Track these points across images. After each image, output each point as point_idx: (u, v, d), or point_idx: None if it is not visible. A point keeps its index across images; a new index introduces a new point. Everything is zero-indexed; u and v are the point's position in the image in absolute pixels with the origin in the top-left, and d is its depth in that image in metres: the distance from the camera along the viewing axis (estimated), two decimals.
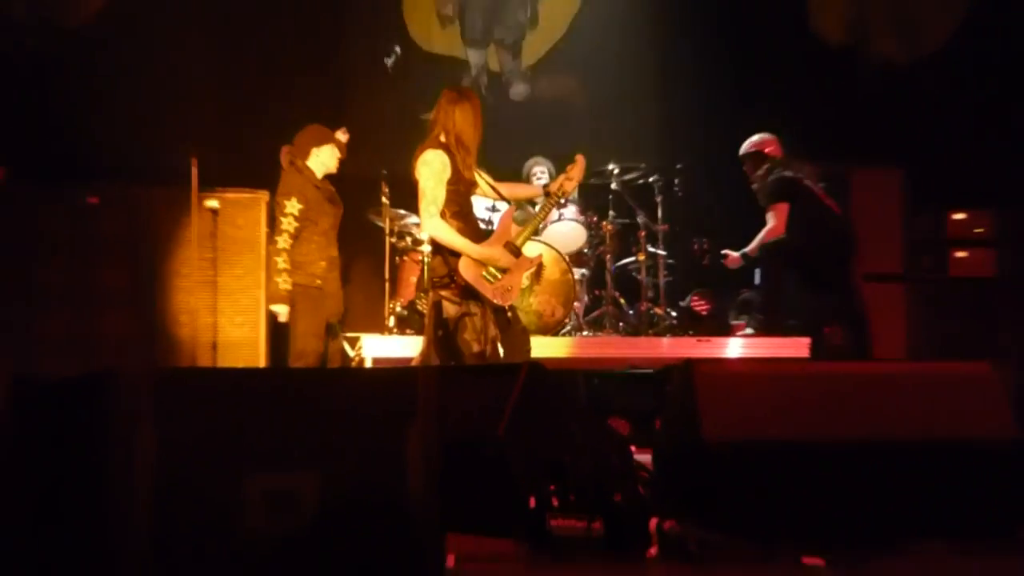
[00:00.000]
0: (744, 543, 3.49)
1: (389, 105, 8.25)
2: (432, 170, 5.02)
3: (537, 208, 5.93)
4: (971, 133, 8.64)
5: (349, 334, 6.86)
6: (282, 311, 5.93)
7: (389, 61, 7.99)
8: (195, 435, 2.62)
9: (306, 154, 6.10)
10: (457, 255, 5.04)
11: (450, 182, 5.05)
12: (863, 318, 7.04)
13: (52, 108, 7.81)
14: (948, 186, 8.46)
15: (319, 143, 6.14)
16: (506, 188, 5.67)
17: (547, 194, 5.57)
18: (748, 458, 3.56)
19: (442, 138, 5.09)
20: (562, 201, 6.82)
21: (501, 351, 5.12)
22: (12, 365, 6.87)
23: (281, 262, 5.87)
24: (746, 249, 7.14)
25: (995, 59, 8.94)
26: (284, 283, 5.88)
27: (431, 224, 5.03)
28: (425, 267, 5.35)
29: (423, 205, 5.05)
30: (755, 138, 7.28)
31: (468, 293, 5.05)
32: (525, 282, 6.22)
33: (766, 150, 7.20)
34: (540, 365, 4.13)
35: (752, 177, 7.19)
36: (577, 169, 5.44)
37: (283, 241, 5.88)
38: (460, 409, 3.36)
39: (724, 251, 7.33)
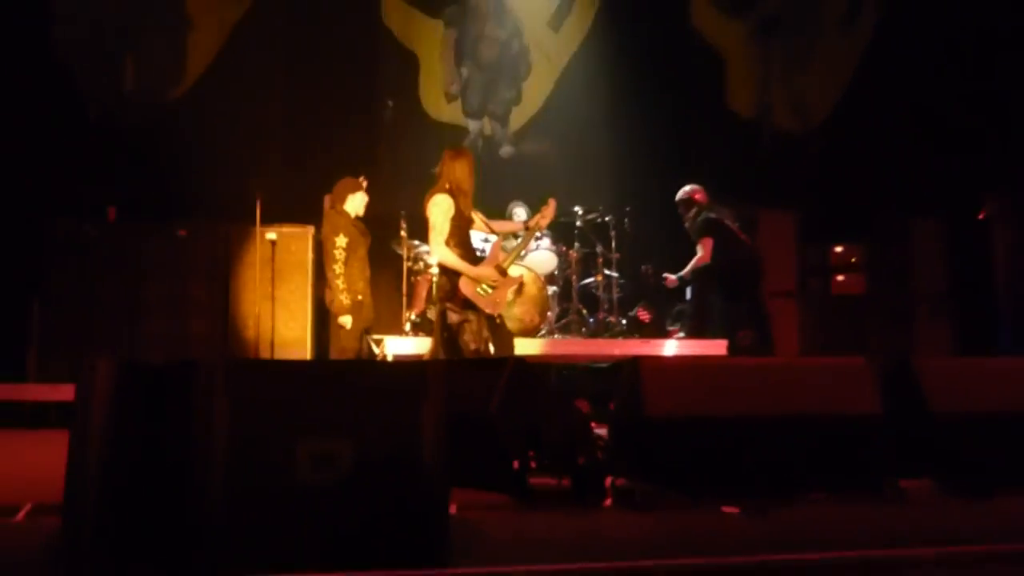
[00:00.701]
0: (677, 495, 3.47)
1: (406, 159, 8.23)
2: (440, 209, 5.02)
3: (519, 239, 5.92)
4: (848, 184, 8.67)
5: (375, 336, 6.82)
6: (347, 321, 5.88)
7: (387, 112, 7.95)
8: (258, 409, 2.59)
9: (344, 200, 6.06)
10: (458, 275, 5.03)
11: (453, 219, 5.04)
12: (768, 325, 7.05)
13: (151, 160, 7.77)
14: (830, 226, 8.50)
15: (352, 191, 6.09)
16: (496, 224, 5.67)
17: (527, 228, 5.56)
18: (681, 430, 3.54)
19: (447, 185, 5.08)
20: (538, 234, 6.85)
21: (492, 349, 5.10)
22: (121, 357, 6.85)
23: (340, 284, 5.80)
24: (681, 273, 7.14)
25: (866, 127, 8.98)
26: (346, 299, 5.83)
27: (439, 251, 5.02)
28: (433, 285, 5.31)
29: (433, 236, 5.04)
30: (687, 188, 7.28)
31: (467, 305, 5.04)
32: (510, 296, 6.20)
33: (695, 197, 7.20)
34: (522, 359, 4.13)
35: (684, 217, 7.19)
36: (549, 209, 5.44)
37: (339, 268, 5.81)
38: (461, 391, 3.35)
39: (665, 274, 7.32)
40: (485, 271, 5.10)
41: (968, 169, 8.28)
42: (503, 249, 5.53)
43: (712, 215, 7.02)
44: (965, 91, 8.53)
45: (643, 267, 7.86)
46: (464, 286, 5.00)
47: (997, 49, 8.40)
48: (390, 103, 7.96)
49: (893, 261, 8.43)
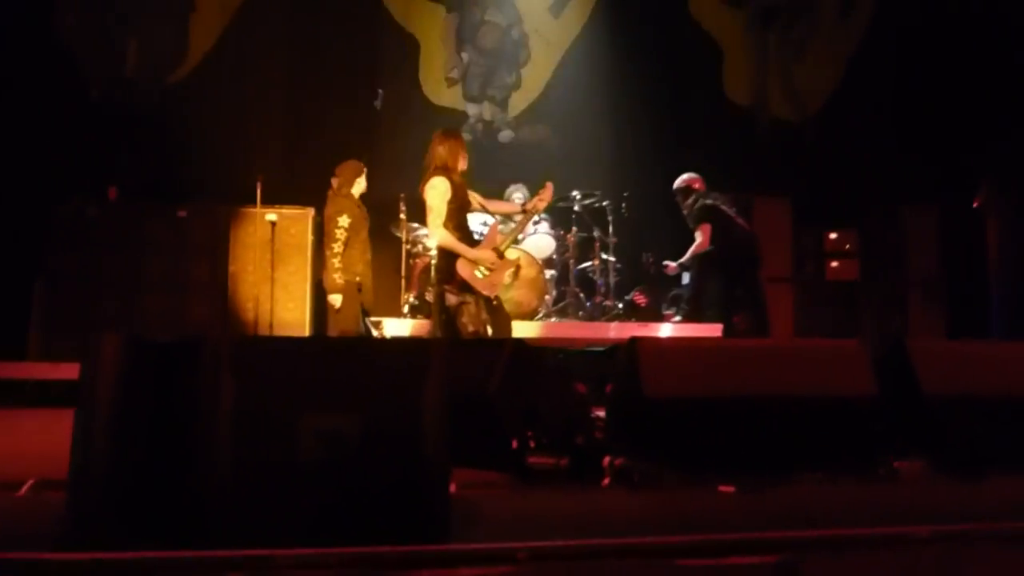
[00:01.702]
0: (674, 474, 3.48)
1: (407, 143, 8.20)
2: (437, 192, 5.03)
3: (516, 222, 5.91)
4: (842, 172, 8.67)
5: (374, 319, 6.82)
6: (336, 300, 5.90)
7: (377, 102, 7.93)
8: (263, 386, 2.59)
9: (351, 183, 6.06)
10: (456, 257, 5.02)
11: (450, 201, 5.04)
12: (764, 309, 7.05)
13: (152, 141, 7.75)
14: (825, 212, 8.51)
15: (358, 174, 6.12)
16: (492, 205, 5.66)
17: (524, 211, 5.56)
18: (678, 410, 3.55)
19: (440, 168, 5.08)
20: (536, 218, 6.84)
21: (490, 331, 5.10)
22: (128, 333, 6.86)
23: (336, 263, 5.84)
24: (681, 260, 7.13)
25: (860, 116, 8.98)
26: (339, 278, 5.85)
27: (438, 233, 5.02)
28: (432, 267, 5.32)
29: (431, 218, 5.04)
30: (685, 176, 7.26)
31: (465, 287, 5.03)
32: (507, 279, 6.21)
33: (693, 185, 7.18)
34: (522, 340, 4.14)
35: (683, 205, 7.17)
36: (547, 192, 5.44)
37: (338, 247, 5.85)
38: (461, 372, 3.34)
39: (665, 262, 7.29)
40: (483, 253, 5.10)
41: (961, 157, 8.29)
42: (500, 232, 5.52)
43: (709, 201, 7.01)
44: (958, 81, 8.53)
45: (644, 256, 7.84)
46: (461, 268, 5.00)
47: (991, 40, 8.39)
48: (380, 92, 7.94)
49: (886, 247, 8.45)
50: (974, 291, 8.29)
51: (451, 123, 8.51)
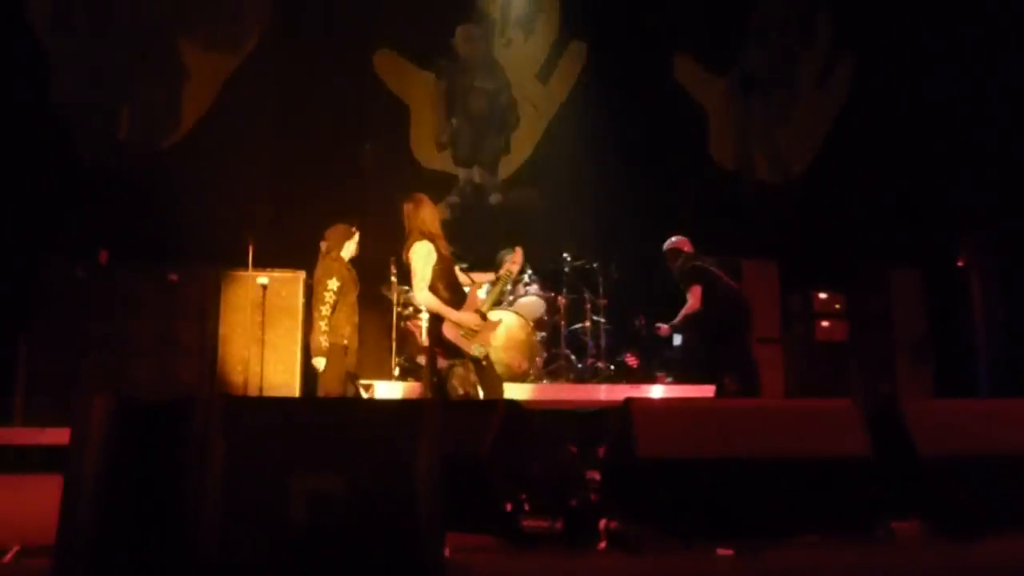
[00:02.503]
0: (671, 537, 3.42)
1: (397, 205, 8.23)
2: (420, 256, 5.07)
3: (495, 286, 5.92)
4: (828, 234, 8.75)
5: (365, 381, 6.76)
6: (320, 363, 5.84)
7: (364, 157, 7.98)
8: (254, 448, 2.54)
9: (340, 246, 6.08)
10: (442, 320, 5.04)
11: (436, 264, 5.08)
12: (755, 370, 6.99)
13: (144, 205, 7.74)
14: (812, 274, 8.56)
15: (347, 238, 6.12)
16: (472, 277, 5.70)
17: (498, 278, 5.60)
18: (673, 471, 3.51)
19: (421, 233, 5.11)
20: (526, 280, 6.85)
21: (481, 393, 5.07)
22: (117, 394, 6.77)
23: (323, 326, 5.79)
24: (673, 322, 7.07)
25: (844, 179, 9.11)
26: (324, 342, 5.80)
27: (422, 296, 5.08)
28: (423, 331, 5.33)
29: (416, 282, 5.09)
30: (673, 239, 7.20)
31: (453, 350, 5.03)
32: (495, 340, 6.19)
33: (683, 248, 7.16)
34: (515, 401, 4.10)
35: (672, 267, 7.13)
36: (518, 256, 5.52)
37: (325, 311, 5.81)
38: (453, 433, 3.29)
39: (657, 324, 7.26)
40: (466, 316, 5.11)
41: (944, 218, 8.40)
42: (479, 296, 5.56)
43: (699, 263, 7.01)
44: (938, 144, 8.69)
45: (635, 318, 7.83)
46: (447, 330, 5.01)
47: (967, 103, 8.58)
48: (367, 147, 8.01)
49: (874, 308, 8.49)
50: (961, 351, 8.32)
51: (442, 187, 8.60)
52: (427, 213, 5.18)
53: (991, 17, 8.40)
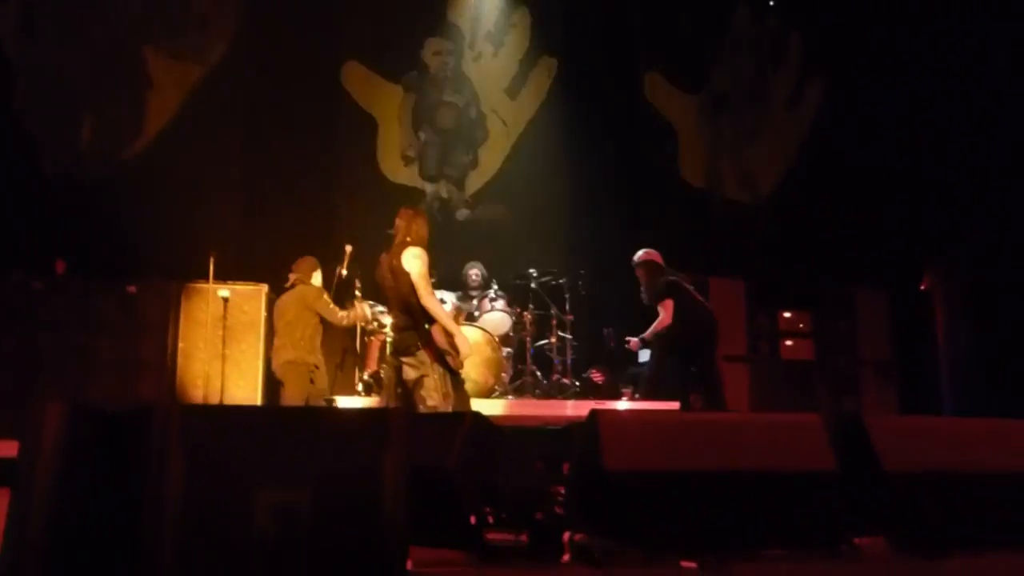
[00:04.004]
0: (636, 550, 3.42)
1: (364, 220, 8.21)
2: (422, 261, 5.10)
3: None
4: (795, 254, 8.86)
5: (328, 396, 6.71)
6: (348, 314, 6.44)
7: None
8: (214, 458, 2.51)
9: (308, 278, 6.44)
10: (430, 329, 5.02)
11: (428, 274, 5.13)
12: (720, 388, 7.03)
13: (103, 216, 7.66)
14: (779, 293, 8.66)
15: (314, 269, 6.50)
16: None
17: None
18: (639, 484, 3.50)
19: (417, 241, 5.14)
20: (492, 295, 6.87)
21: (450, 407, 5.06)
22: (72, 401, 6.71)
23: (340, 311, 6.40)
24: (643, 335, 7.12)
25: (812, 200, 9.24)
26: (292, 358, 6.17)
27: (429, 300, 5.05)
28: (390, 341, 5.31)
29: (423, 285, 5.06)
30: (642, 252, 7.21)
31: (439, 356, 5.02)
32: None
33: (652, 260, 7.18)
34: (481, 414, 4.08)
35: (642, 280, 7.16)
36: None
37: (340, 312, 6.40)
38: (419, 445, 3.28)
39: (627, 338, 7.29)
40: (462, 337, 5.17)
41: (910, 241, 8.55)
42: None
43: (672, 277, 7.04)
44: (905, 167, 8.86)
45: (605, 330, 7.87)
46: (438, 337, 5.00)
47: (934, 127, 8.75)
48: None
49: (839, 328, 8.60)
50: (925, 372, 8.45)
51: (408, 201, 8.58)
52: (421, 225, 5.25)
53: (959, 42, 8.59)
